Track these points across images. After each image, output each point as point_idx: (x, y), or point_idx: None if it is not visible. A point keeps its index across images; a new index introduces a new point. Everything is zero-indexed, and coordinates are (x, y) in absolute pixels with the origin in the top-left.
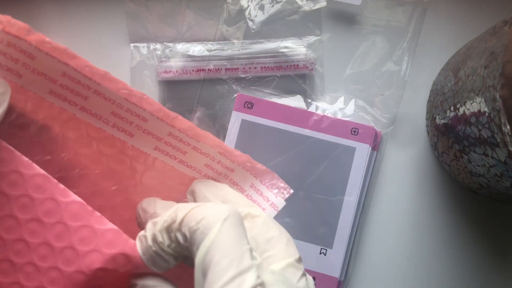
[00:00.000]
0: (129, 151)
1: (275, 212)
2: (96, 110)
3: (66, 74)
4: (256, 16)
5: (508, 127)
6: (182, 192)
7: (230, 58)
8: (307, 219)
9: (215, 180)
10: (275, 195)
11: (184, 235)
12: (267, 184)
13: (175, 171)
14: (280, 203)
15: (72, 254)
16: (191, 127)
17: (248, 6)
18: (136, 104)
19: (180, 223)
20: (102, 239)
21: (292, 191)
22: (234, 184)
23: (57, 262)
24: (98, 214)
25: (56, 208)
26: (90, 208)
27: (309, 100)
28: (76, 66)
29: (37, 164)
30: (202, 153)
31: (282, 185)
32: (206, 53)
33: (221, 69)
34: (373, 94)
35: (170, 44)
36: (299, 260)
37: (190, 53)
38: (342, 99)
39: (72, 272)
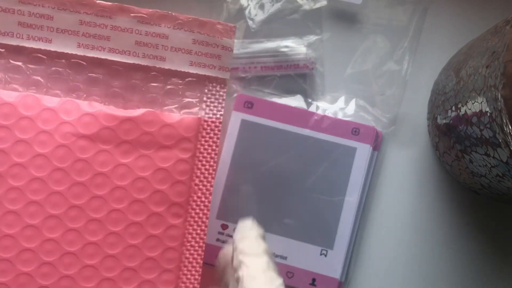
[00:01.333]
0: None
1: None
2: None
3: (83, 22)
4: (256, 15)
5: (510, 127)
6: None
7: None
8: (307, 219)
9: (150, 55)
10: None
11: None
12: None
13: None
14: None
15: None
16: (94, 4)
17: (248, 5)
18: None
19: None
20: None
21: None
22: (175, 50)
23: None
24: None
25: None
26: None
27: (310, 100)
28: (88, 10)
29: None
30: (124, 30)
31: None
32: None
33: None
34: (374, 94)
35: None
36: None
37: None
38: (342, 98)
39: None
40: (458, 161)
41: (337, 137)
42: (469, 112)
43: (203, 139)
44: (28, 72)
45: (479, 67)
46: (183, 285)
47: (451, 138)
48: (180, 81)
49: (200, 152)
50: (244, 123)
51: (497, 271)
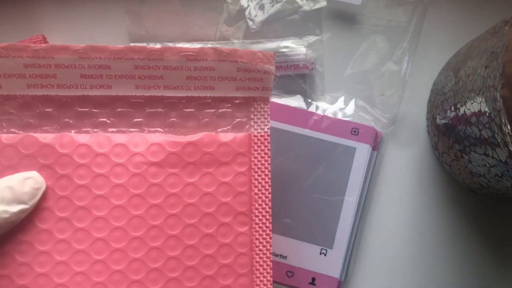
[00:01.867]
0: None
1: (272, 68)
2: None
3: (137, 66)
4: (256, 15)
5: (509, 127)
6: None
7: None
8: (307, 219)
9: (201, 87)
10: (263, 64)
11: None
12: (249, 62)
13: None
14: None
15: None
16: (145, 49)
17: (248, 5)
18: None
19: None
20: None
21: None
22: (222, 79)
23: None
24: None
25: None
26: None
27: (309, 100)
28: (140, 55)
29: None
30: (175, 68)
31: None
32: None
33: None
34: (374, 94)
35: (170, 44)
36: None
37: None
38: (342, 99)
39: None
40: (457, 161)
41: (336, 137)
42: (468, 112)
43: (255, 152)
44: (94, 116)
45: (478, 68)
46: (257, 287)
47: (450, 138)
48: (229, 105)
49: (255, 164)
50: None
51: (496, 270)
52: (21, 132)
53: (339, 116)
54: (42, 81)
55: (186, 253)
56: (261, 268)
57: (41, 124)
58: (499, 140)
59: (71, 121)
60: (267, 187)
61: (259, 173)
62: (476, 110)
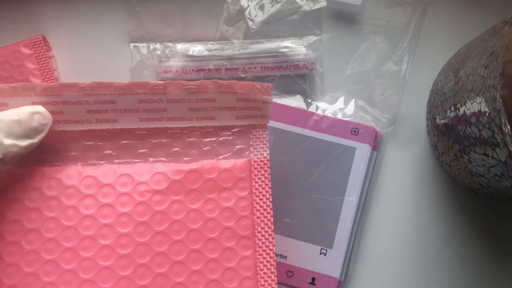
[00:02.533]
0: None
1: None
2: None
3: (141, 100)
4: (256, 16)
5: (509, 127)
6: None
7: (230, 58)
8: (307, 219)
9: (202, 117)
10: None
11: None
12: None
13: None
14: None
15: None
16: (149, 84)
17: (248, 6)
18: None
19: None
20: None
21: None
22: (222, 109)
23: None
24: None
25: None
26: None
27: (309, 100)
28: (144, 90)
29: None
30: (178, 101)
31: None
32: (206, 53)
33: (221, 69)
34: (373, 94)
35: (170, 44)
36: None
37: (190, 53)
38: (342, 99)
39: None
40: (457, 161)
41: (336, 137)
42: (468, 112)
43: (256, 177)
44: (100, 149)
45: (478, 68)
46: None
47: (450, 138)
48: (229, 133)
49: (256, 188)
50: None
51: (496, 270)
52: (29, 165)
53: (339, 116)
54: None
55: (192, 278)
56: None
57: (49, 157)
58: (499, 140)
59: (78, 154)
60: (268, 210)
61: (260, 197)
62: (476, 110)
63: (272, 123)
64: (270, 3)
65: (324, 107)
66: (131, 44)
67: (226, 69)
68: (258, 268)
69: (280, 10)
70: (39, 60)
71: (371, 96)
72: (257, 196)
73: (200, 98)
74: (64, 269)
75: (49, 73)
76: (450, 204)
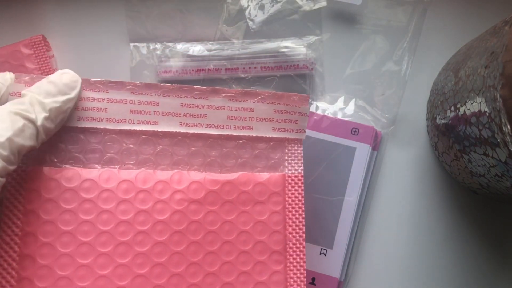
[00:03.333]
0: None
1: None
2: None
3: (184, 105)
4: (256, 16)
5: (509, 127)
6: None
7: (230, 58)
8: (307, 219)
9: (240, 126)
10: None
11: None
12: (284, 105)
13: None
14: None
15: None
16: (192, 89)
17: (248, 6)
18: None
19: None
20: None
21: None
22: (260, 120)
23: None
24: None
25: None
26: None
27: (309, 100)
28: (187, 94)
29: None
30: (218, 108)
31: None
32: (206, 53)
33: (221, 69)
34: (374, 94)
35: (170, 44)
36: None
37: (190, 53)
38: (342, 99)
39: None
40: (457, 161)
41: (336, 137)
42: (468, 112)
43: (289, 192)
44: (138, 152)
45: (478, 68)
46: None
47: (450, 138)
48: (265, 145)
49: (289, 204)
50: None
51: (496, 270)
52: (65, 165)
53: (339, 116)
54: (94, 114)
55: None
56: None
57: (85, 157)
58: (499, 140)
59: (116, 156)
60: (301, 226)
61: (293, 212)
62: (476, 110)
63: None
64: (270, 3)
65: (324, 107)
66: (131, 44)
67: (226, 69)
68: (288, 284)
69: (280, 10)
70: (39, 60)
71: (371, 96)
72: (289, 211)
73: (239, 107)
74: (99, 275)
75: (49, 73)
76: (450, 204)
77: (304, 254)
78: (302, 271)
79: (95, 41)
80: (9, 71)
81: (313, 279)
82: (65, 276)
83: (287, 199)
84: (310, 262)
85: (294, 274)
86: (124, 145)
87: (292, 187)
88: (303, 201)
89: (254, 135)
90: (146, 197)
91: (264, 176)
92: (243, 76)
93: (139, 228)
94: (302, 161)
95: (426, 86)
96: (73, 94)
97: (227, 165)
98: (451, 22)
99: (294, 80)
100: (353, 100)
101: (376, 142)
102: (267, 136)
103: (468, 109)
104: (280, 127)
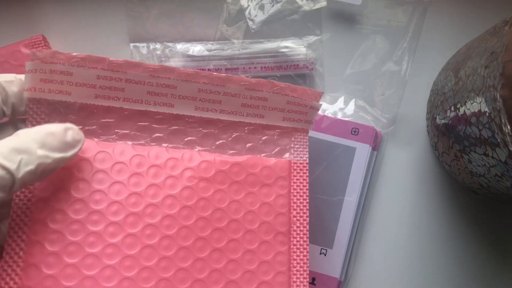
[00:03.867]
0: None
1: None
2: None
3: (201, 90)
4: (256, 16)
5: (509, 127)
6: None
7: (230, 58)
8: None
9: (253, 114)
10: (311, 99)
11: None
12: (300, 97)
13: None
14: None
15: None
16: (211, 75)
17: (248, 6)
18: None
19: None
20: None
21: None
22: (272, 109)
23: None
24: None
25: None
26: None
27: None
28: (206, 80)
29: None
30: (233, 95)
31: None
32: (206, 53)
33: (221, 69)
34: (374, 94)
35: (170, 44)
36: None
37: (190, 53)
38: (342, 99)
39: None
40: (457, 161)
41: (336, 137)
42: (468, 112)
43: (294, 178)
44: (152, 131)
45: (478, 68)
46: None
47: (450, 138)
48: (273, 133)
49: (294, 189)
50: None
51: (496, 270)
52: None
53: (339, 116)
54: (111, 93)
55: (229, 267)
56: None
57: (101, 132)
58: (499, 140)
59: (130, 133)
60: (304, 210)
61: (298, 197)
62: (476, 110)
63: None
64: (270, 3)
65: (324, 107)
66: (131, 44)
67: (226, 69)
68: (291, 265)
69: (280, 10)
70: None
71: (371, 96)
72: (294, 196)
73: (254, 96)
74: (108, 242)
75: None
76: (450, 204)
77: (307, 238)
78: (305, 253)
79: (95, 41)
80: (9, 71)
81: (313, 279)
82: (76, 242)
83: (292, 184)
84: (310, 262)
85: (297, 256)
86: (139, 123)
87: (298, 173)
88: (307, 187)
89: (264, 123)
90: (158, 172)
91: (271, 160)
92: (243, 76)
93: (150, 201)
94: (307, 149)
95: (426, 86)
96: (69, 154)
97: (236, 148)
98: (451, 22)
99: (294, 80)
100: (353, 100)
101: (376, 142)
102: (277, 124)
103: (468, 109)
104: (290, 117)
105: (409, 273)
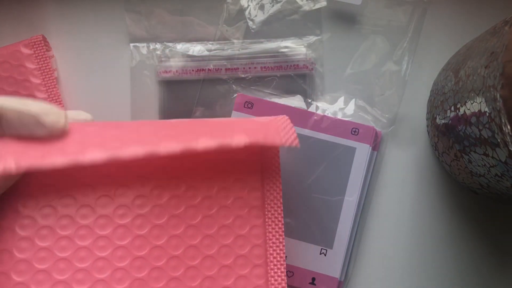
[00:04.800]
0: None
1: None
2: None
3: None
4: (256, 16)
5: (509, 127)
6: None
7: (230, 58)
8: (307, 219)
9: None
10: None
11: None
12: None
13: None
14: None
15: None
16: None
17: (248, 6)
18: None
19: None
20: None
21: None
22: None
23: None
24: None
25: None
26: None
27: (309, 100)
28: None
29: None
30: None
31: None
32: (206, 53)
33: (221, 69)
34: (374, 94)
35: (170, 44)
36: None
37: (190, 53)
38: (342, 99)
39: None
40: (457, 161)
41: (336, 137)
42: (468, 112)
43: (266, 172)
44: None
45: (478, 68)
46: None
47: (450, 138)
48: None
49: (267, 183)
50: None
51: (495, 270)
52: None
53: (339, 116)
54: None
55: (205, 263)
56: (274, 281)
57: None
58: (499, 140)
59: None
60: (279, 204)
61: (271, 187)
62: (476, 110)
63: None
64: (270, 3)
65: (324, 107)
66: (131, 44)
67: (226, 69)
68: (268, 260)
69: (280, 10)
70: (39, 60)
71: (371, 96)
72: (269, 186)
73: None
74: (78, 268)
75: (49, 73)
76: (450, 204)
77: (283, 232)
78: (281, 247)
79: (95, 41)
80: (9, 71)
81: (313, 279)
82: (46, 248)
83: (264, 173)
84: (310, 262)
85: (274, 250)
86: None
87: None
88: (280, 174)
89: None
90: (125, 192)
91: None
92: (243, 76)
93: (119, 222)
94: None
95: (426, 86)
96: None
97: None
98: (451, 22)
99: (294, 80)
100: (353, 100)
101: (376, 142)
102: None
103: (468, 109)
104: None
105: (409, 273)
